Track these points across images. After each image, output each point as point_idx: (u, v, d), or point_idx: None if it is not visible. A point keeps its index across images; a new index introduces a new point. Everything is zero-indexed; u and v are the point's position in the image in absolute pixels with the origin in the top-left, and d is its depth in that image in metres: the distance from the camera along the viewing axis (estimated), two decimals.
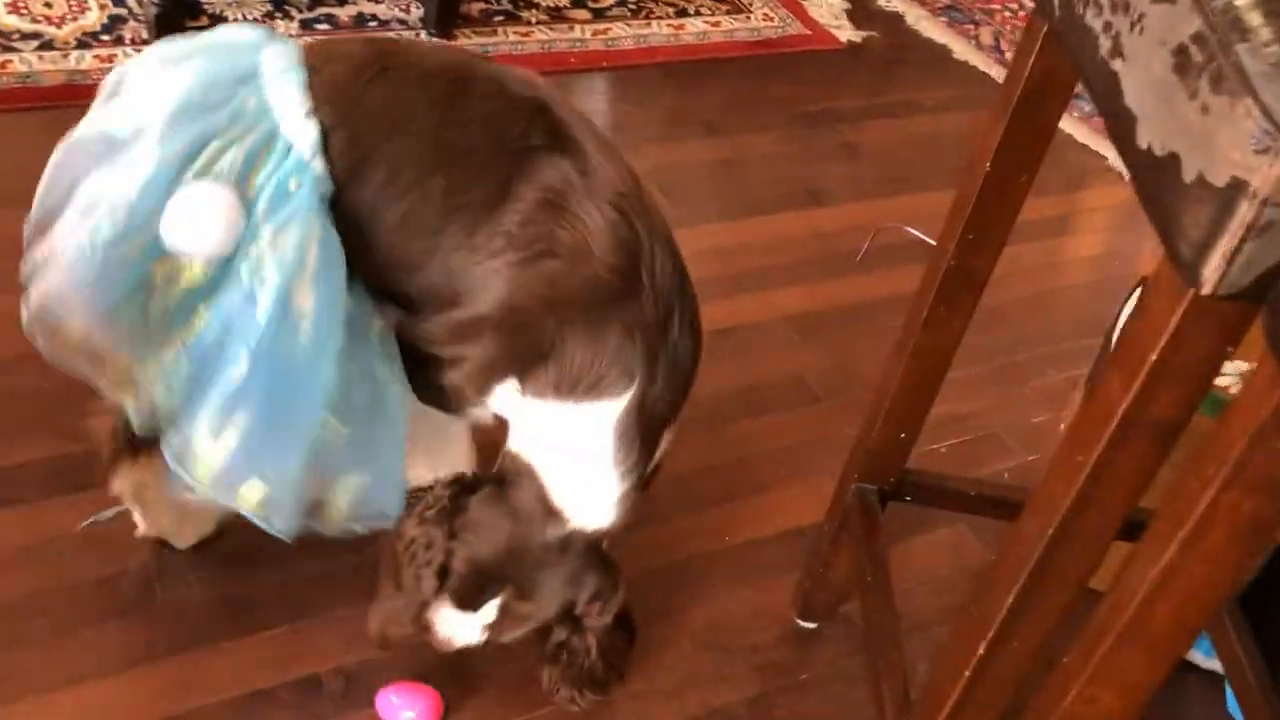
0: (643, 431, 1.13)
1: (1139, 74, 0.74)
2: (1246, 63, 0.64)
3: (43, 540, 1.38)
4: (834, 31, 2.91)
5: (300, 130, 1.04)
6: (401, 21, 2.52)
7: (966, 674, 0.93)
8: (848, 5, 3.03)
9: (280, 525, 1.15)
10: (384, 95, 1.09)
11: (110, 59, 2.18)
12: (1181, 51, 0.69)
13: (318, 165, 1.05)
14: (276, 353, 1.05)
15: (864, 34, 2.92)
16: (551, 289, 1.10)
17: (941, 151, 2.50)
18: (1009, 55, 2.90)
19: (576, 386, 1.11)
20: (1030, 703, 0.87)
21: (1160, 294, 0.72)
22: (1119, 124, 0.76)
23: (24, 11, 2.24)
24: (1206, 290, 0.67)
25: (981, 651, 0.90)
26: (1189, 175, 0.68)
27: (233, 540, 1.41)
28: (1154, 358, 0.73)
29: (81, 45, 2.20)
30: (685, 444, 1.69)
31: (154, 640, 1.31)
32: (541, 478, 1.15)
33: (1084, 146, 2.63)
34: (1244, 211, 0.63)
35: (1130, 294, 1.51)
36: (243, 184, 1.03)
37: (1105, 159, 2.60)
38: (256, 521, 1.15)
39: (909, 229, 2.21)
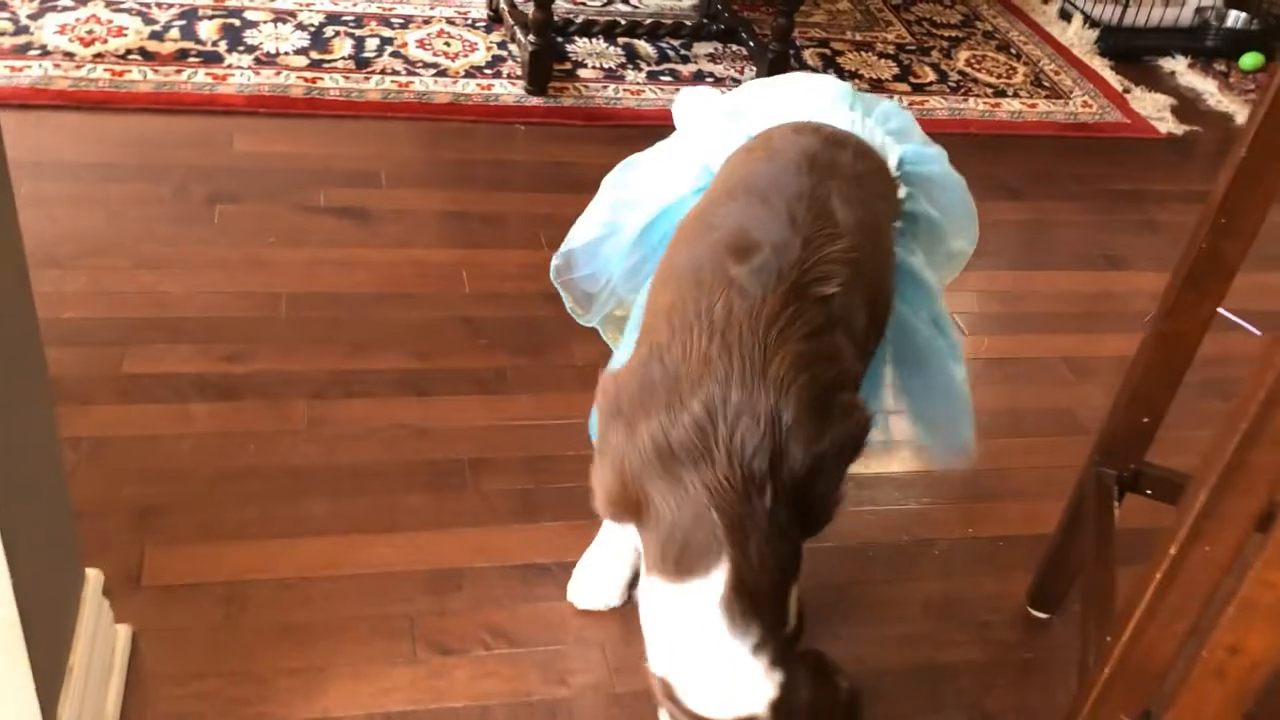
0: (753, 606, 1.05)
1: None
2: None
3: (389, 425, 1.68)
4: (1154, 123, 2.94)
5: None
6: (735, 80, 2.81)
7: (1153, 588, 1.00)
8: (1174, 102, 3.06)
9: None
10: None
11: (489, 87, 2.58)
12: None
13: None
14: None
15: (1186, 128, 2.94)
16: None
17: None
18: None
19: (670, 561, 1.08)
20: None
21: None
22: None
23: (427, 47, 2.69)
24: None
25: (1173, 552, 0.97)
26: None
27: (535, 448, 1.66)
28: None
29: (468, 76, 2.62)
30: None
31: (462, 512, 1.56)
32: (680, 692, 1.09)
33: None
34: None
35: None
36: None
37: None
38: None
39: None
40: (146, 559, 1.42)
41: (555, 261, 1.49)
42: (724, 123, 1.40)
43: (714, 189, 1.30)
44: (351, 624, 1.39)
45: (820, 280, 1.14)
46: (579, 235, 1.47)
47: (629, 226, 1.41)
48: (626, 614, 1.45)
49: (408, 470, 1.61)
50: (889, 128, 1.38)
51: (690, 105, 1.52)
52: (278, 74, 2.48)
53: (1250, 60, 3.32)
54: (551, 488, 1.62)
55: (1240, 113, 3.07)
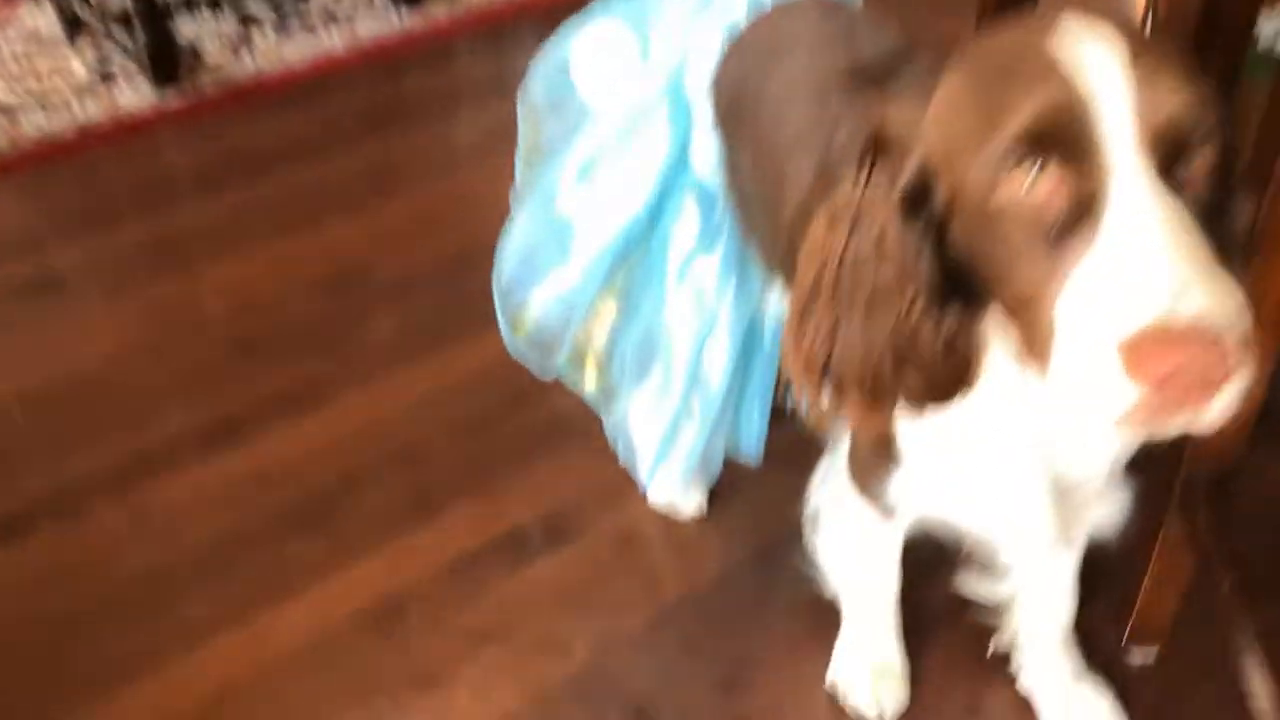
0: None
1: None
2: None
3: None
4: None
5: None
6: None
7: None
8: None
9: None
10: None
11: (112, 102, 2.24)
12: None
13: None
14: None
15: None
16: None
17: None
18: None
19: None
20: None
21: None
22: None
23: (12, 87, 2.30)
24: None
25: None
26: None
27: (408, 436, 1.50)
28: None
29: (79, 97, 2.26)
30: None
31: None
32: None
33: None
34: None
35: None
36: None
37: None
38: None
39: None
40: None
41: (498, 287, 1.23)
42: (689, 20, 1.15)
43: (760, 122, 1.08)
44: None
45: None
46: (513, 260, 1.23)
47: (605, 226, 1.19)
48: None
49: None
50: None
51: (591, 58, 1.21)
52: None
53: None
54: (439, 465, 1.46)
55: None
